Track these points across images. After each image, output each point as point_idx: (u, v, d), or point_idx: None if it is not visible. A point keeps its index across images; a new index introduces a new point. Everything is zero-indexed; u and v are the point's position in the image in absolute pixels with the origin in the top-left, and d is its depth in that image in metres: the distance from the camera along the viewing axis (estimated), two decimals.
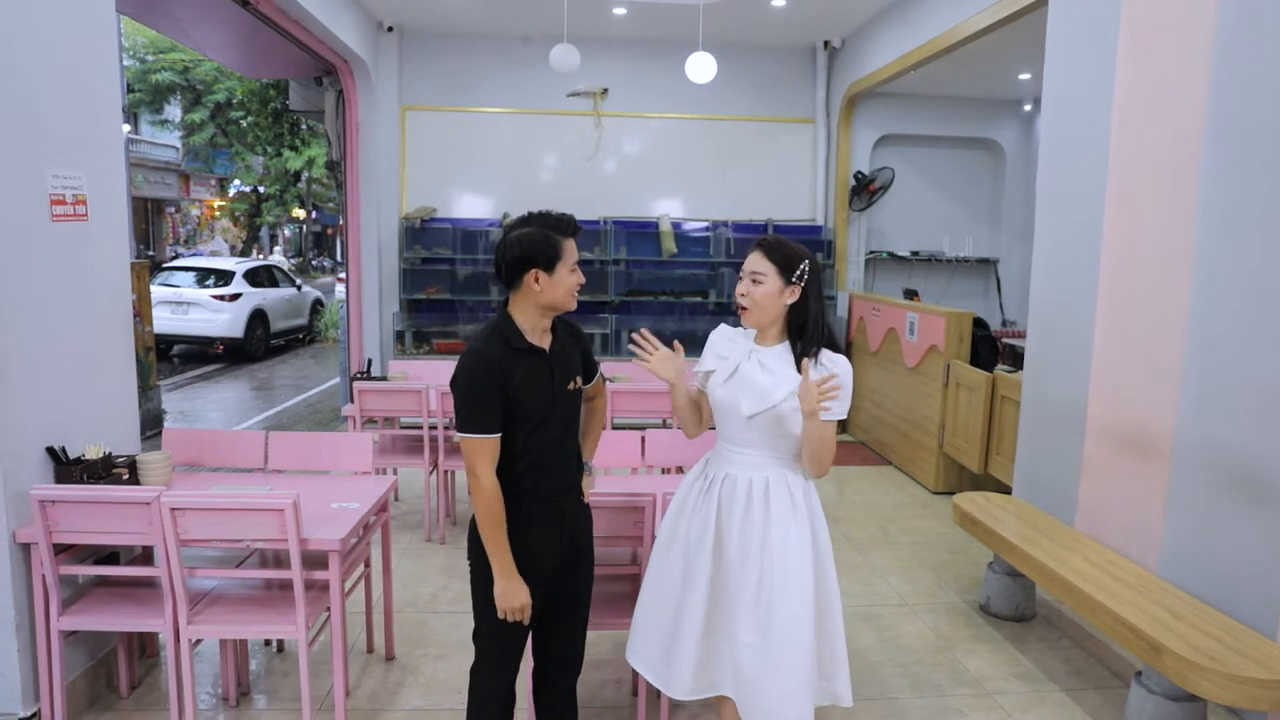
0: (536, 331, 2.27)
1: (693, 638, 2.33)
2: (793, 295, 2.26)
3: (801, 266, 2.25)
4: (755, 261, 2.27)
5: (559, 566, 2.37)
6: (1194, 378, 3.31)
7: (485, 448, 2.18)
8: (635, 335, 2.42)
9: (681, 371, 2.42)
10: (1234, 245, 3.13)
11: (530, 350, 2.25)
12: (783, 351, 2.29)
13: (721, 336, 2.43)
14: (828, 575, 2.32)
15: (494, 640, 2.34)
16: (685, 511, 2.42)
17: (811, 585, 2.24)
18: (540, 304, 2.23)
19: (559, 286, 2.22)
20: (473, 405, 2.17)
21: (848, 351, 5.59)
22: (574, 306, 2.28)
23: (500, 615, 2.24)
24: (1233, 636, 2.79)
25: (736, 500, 2.30)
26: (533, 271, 2.20)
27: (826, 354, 2.25)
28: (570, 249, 2.23)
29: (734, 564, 2.28)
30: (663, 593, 2.42)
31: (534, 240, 2.19)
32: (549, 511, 2.32)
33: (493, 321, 2.29)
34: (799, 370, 2.21)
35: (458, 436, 2.21)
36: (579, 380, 2.39)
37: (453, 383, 2.21)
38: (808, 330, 2.26)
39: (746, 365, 2.30)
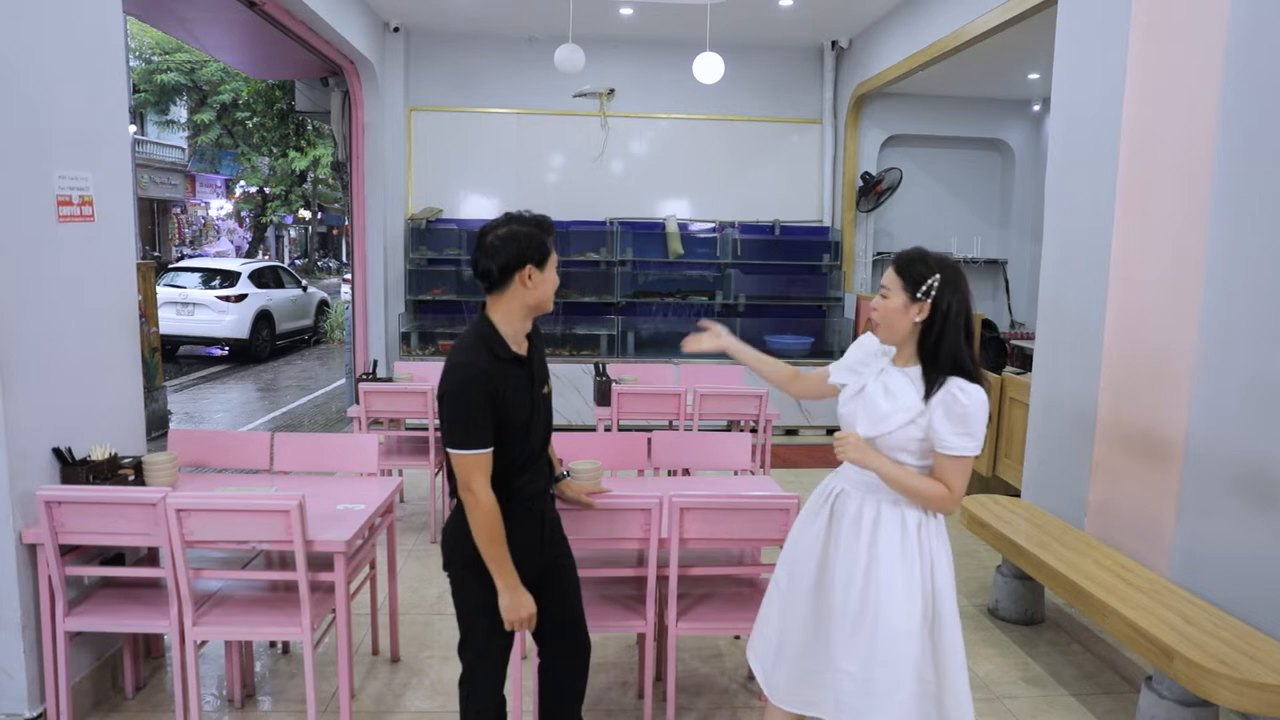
0: (518, 339, 2.26)
1: (793, 648, 2.29)
2: (921, 312, 2.09)
3: (930, 281, 2.07)
4: (887, 274, 2.16)
5: (542, 568, 2.37)
6: (1206, 379, 3.28)
7: (481, 462, 2.15)
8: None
9: (723, 341, 2.51)
10: (1247, 245, 3.10)
11: (514, 360, 2.23)
12: (914, 374, 2.14)
13: (861, 349, 2.32)
14: (943, 625, 2.14)
15: (484, 652, 2.32)
16: (807, 516, 2.36)
17: (919, 626, 2.11)
18: (528, 304, 2.22)
19: (547, 284, 2.23)
20: (466, 420, 2.13)
21: None
22: (550, 308, 2.29)
23: (508, 627, 2.23)
24: (1246, 642, 2.76)
25: (847, 517, 2.22)
26: (527, 269, 2.19)
27: (957, 382, 2.06)
28: (552, 248, 2.25)
29: (838, 585, 2.20)
30: (773, 595, 2.40)
31: (528, 237, 2.19)
32: (532, 513, 2.33)
33: (475, 331, 2.24)
34: (927, 397, 2.08)
35: (451, 453, 2.15)
36: (550, 384, 2.41)
37: (441, 397, 2.16)
38: (937, 353, 2.09)
39: (873, 385, 2.20)
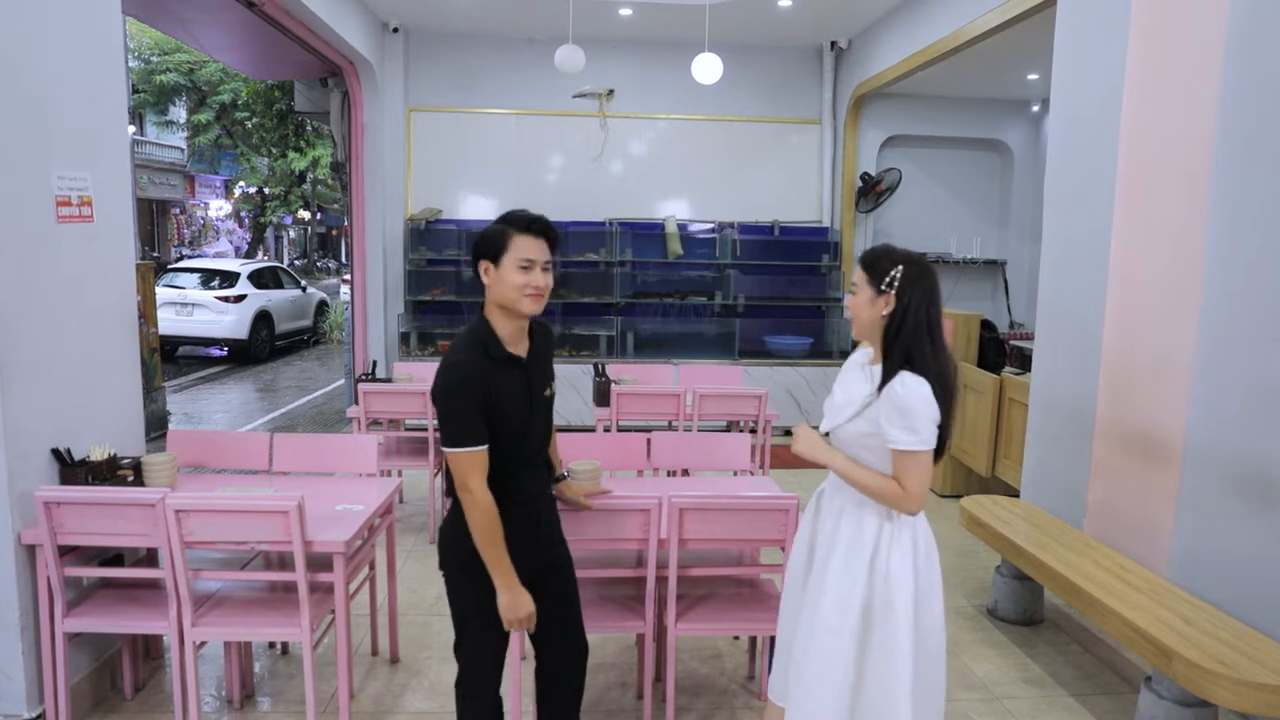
0: (515, 339, 2.25)
1: (784, 645, 2.35)
2: (887, 305, 2.11)
3: (893, 274, 2.10)
4: (855, 270, 2.20)
5: (538, 568, 2.36)
6: (1205, 379, 3.28)
7: (476, 461, 2.15)
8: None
9: (818, 446, 2.24)
10: (1246, 246, 3.10)
11: (509, 360, 2.22)
12: (876, 371, 2.15)
13: (858, 350, 2.35)
14: (884, 634, 2.12)
15: (480, 652, 2.32)
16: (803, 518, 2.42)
17: (854, 629, 2.12)
18: (494, 301, 2.21)
19: (504, 282, 2.17)
20: (459, 419, 2.14)
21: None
22: (528, 309, 2.18)
23: (506, 627, 2.23)
24: (1245, 642, 2.76)
25: (823, 515, 2.29)
26: (482, 264, 2.20)
27: (902, 376, 2.06)
28: (521, 244, 2.16)
29: (814, 575, 2.26)
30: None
31: (487, 232, 2.21)
32: (526, 514, 2.31)
33: (471, 329, 2.24)
34: (879, 391, 2.09)
35: (447, 451, 2.16)
36: (554, 386, 2.39)
37: (434, 396, 2.17)
38: (894, 347, 2.09)
39: (839, 383, 2.27)
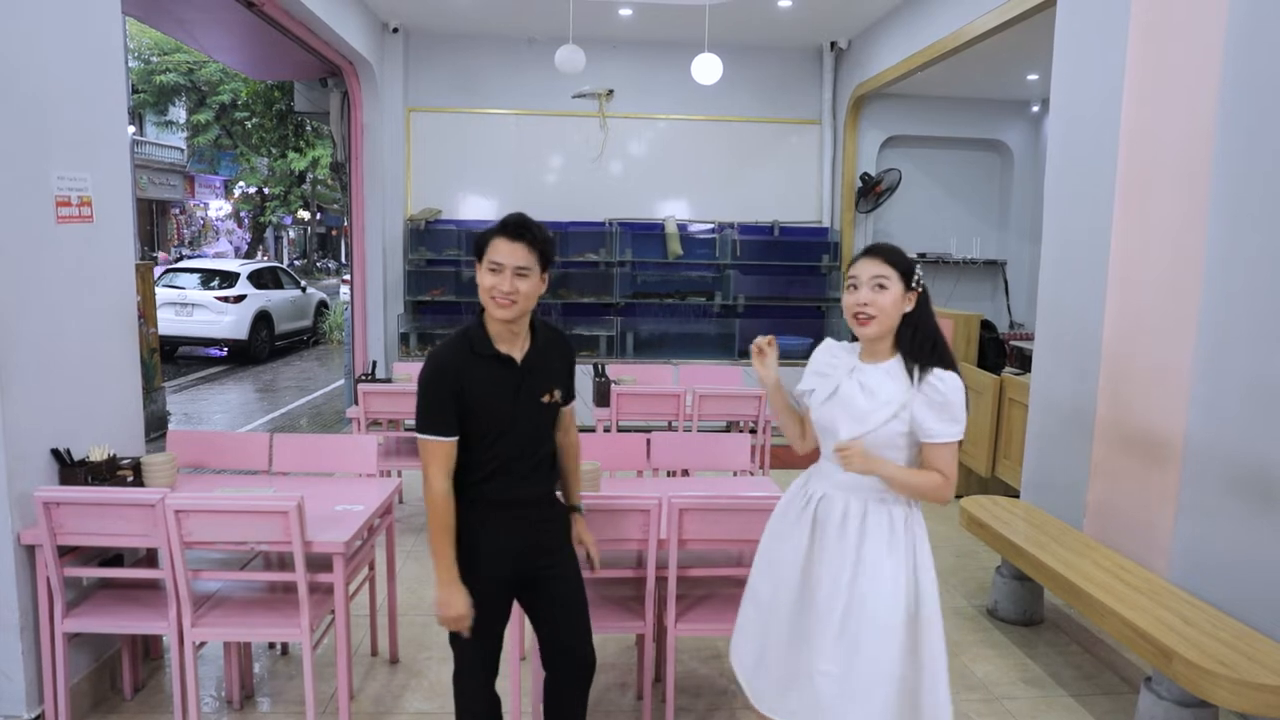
0: (505, 337, 2.22)
1: (776, 658, 2.25)
2: (909, 303, 2.11)
3: (918, 271, 2.12)
4: (875, 266, 2.10)
5: (532, 574, 2.34)
6: (1205, 379, 3.28)
7: (438, 451, 2.17)
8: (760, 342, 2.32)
9: (771, 371, 2.29)
10: (1246, 245, 3.10)
11: (496, 358, 2.21)
12: (891, 368, 2.13)
13: (824, 352, 2.29)
14: (925, 621, 2.12)
15: (470, 648, 2.32)
16: (785, 522, 2.31)
17: (903, 621, 2.09)
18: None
19: (479, 284, 2.19)
20: (427, 407, 2.18)
21: None
22: (494, 313, 2.16)
23: (440, 624, 2.22)
24: (1245, 642, 2.76)
25: (831, 522, 2.18)
26: (476, 264, 2.23)
27: (935, 372, 2.08)
28: (495, 247, 2.15)
29: (824, 587, 2.17)
30: (750, 609, 2.36)
31: (481, 232, 2.25)
32: (512, 517, 2.28)
33: (466, 324, 2.27)
34: (913, 383, 2.08)
35: (416, 437, 2.20)
36: (556, 394, 2.31)
37: (418, 381, 2.22)
38: (920, 343, 2.10)
39: (847, 384, 2.17)
